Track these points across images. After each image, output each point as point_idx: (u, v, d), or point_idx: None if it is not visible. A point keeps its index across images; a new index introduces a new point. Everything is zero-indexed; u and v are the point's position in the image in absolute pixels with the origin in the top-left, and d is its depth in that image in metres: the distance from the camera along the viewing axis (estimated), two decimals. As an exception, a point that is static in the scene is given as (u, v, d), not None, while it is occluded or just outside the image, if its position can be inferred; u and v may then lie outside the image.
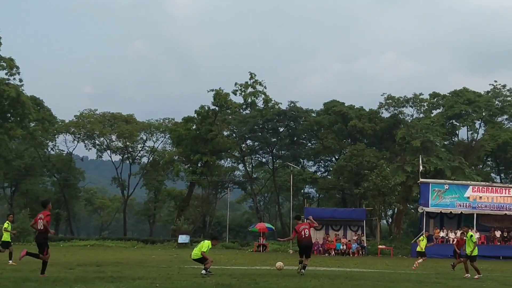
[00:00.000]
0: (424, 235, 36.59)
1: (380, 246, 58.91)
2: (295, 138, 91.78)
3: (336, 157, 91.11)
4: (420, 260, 32.17)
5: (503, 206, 58.61)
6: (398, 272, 26.69)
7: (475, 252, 24.42)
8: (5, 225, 28.89)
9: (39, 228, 18.71)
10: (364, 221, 61.94)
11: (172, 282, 16.11)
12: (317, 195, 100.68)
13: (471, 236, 24.76)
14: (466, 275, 24.05)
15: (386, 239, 70.88)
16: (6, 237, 28.38)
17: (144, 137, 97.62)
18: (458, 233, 49.76)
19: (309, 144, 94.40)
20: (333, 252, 56.37)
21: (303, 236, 22.12)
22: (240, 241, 77.03)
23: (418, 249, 33.71)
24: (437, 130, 78.44)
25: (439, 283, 19.04)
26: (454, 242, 35.15)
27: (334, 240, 58.38)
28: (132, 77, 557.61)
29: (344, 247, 57.00)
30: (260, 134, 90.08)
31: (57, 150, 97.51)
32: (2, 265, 24.05)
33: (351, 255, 54.66)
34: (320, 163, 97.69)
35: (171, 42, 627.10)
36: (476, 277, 23.49)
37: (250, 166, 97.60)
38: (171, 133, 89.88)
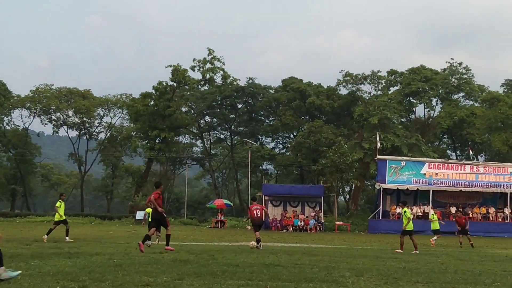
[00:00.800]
0: (434, 213, 37.49)
1: (337, 222, 59.37)
2: (254, 115, 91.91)
3: (294, 134, 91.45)
4: (435, 238, 32.81)
5: (459, 182, 59.53)
6: (355, 248, 26.92)
7: (409, 227, 24.58)
8: (58, 204, 28.54)
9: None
10: (322, 197, 62.22)
11: (130, 258, 16.03)
12: (275, 171, 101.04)
13: (405, 211, 24.97)
14: (415, 251, 24.11)
15: (344, 215, 71.57)
16: (58, 216, 27.94)
17: (101, 113, 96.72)
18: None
19: (267, 121, 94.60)
20: (291, 228, 56.51)
21: (255, 216, 23.16)
22: (198, 217, 77.12)
23: (433, 227, 34.35)
24: (395, 107, 79.17)
25: (395, 258, 19.26)
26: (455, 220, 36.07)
27: (292, 217, 58.58)
28: (88, 52, 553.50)
29: (302, 223, 57.17)
30: (218, 110, 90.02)
31: (12, 125, 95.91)
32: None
33: (309, 231, 54.84)
34: (278, 140, 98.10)
35: (128, 17, 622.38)
36: (413, 252, 23.69)
37: (209, 142, 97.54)
38: (129, 109, 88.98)
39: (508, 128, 75.15)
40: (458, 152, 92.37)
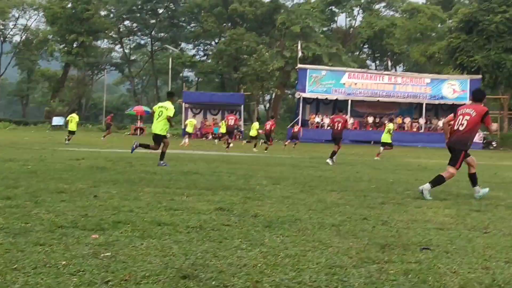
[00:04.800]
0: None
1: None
2: (175, 20, 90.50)
3: (216, 41, 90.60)
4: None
5: (377, 92, 60.45)
6: (273, 157, 27.14)
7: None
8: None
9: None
10: (242, 105, 62.37)
11: (45, 164, 15.68)
12: (196, 79, 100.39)
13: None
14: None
15: (263, 124, 71.94)
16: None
17: (16, 15, 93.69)
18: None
19: (189, 27, 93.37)
20: (211, 136, 56.67)
21: (336, 128, 23.27)
22: (117, 124, 76.40)
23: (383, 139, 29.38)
24: (317, 16, 79.00)
25: (312, 167, 19.46)
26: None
27: (212, 124, 58.66)
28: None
29: (222, 131, 57.37)
30: (138, 15, 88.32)
31: None
32: None
33: (228, 139, 55.08)
34: (199, 47, 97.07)
35: None
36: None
37: (128, 48, 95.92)
38: (45, 11, 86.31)
39: (427, 39, 76.29)
40: (377, 62, 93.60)
